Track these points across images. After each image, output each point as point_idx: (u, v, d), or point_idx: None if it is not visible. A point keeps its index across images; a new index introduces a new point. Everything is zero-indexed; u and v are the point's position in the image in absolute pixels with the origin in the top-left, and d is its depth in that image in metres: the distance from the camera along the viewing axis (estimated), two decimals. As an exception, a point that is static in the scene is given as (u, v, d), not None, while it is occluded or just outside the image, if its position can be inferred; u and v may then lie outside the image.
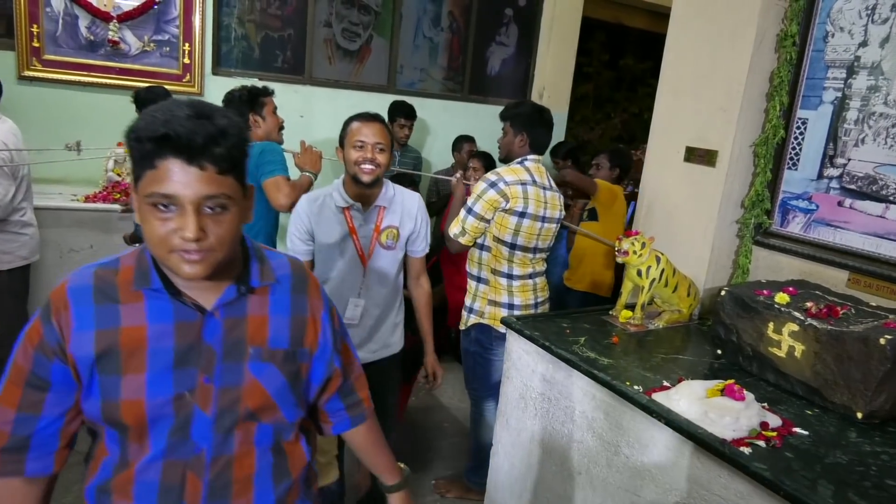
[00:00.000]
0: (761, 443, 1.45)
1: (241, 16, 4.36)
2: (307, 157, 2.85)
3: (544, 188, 2.49)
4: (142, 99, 3.04)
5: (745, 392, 1.55)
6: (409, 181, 3.53)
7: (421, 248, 2.27)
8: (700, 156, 2.39)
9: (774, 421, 1.55)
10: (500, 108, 2.67)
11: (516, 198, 2.40)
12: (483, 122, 4.97)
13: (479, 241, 2.51)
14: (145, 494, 1.03)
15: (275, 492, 1.12)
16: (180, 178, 0.91)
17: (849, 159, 2.11)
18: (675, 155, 2.48)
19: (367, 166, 2.02)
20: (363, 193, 2.09)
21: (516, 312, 2.47)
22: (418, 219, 2.22)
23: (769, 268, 2.32)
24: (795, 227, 2.27)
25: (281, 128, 3.05)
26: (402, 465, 1.38)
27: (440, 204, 4.23)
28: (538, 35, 5.47)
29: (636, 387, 1.70)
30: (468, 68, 5.29)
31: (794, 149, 2.28)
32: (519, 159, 2.52)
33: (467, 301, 2.61)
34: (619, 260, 2.19)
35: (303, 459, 1.18)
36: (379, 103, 4.61)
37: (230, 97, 3.05)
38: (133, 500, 1.03)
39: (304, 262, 1.84)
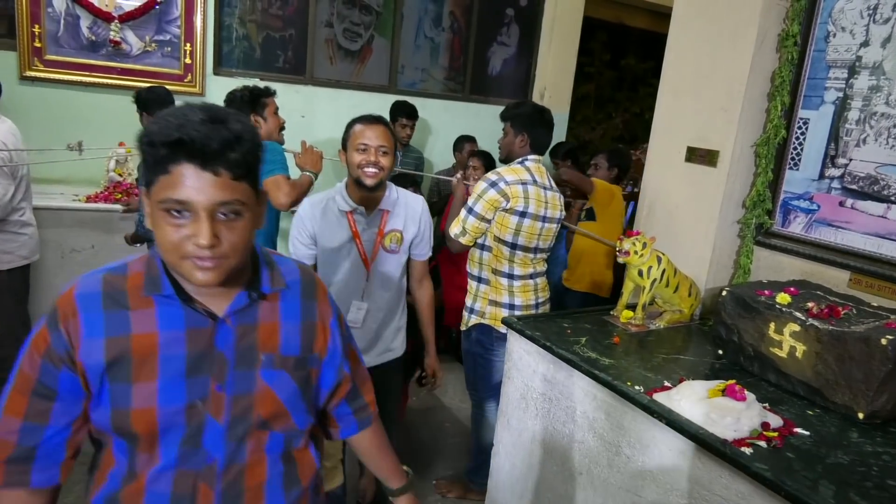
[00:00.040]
0: (762, 443, 1.45)
1: (242, 16, 4.36)
2: (308, 157, 2.85)
3: (545, 188, 2.49)
4: (143, 99, 3.05)
5: (746, 392, 1.55)
6: (411, 181, 3.53)
7: (424, 251, 2.27)
8: (701, 156, 2.39)
9: (776, 421, 1.55)
10: (502, 109, 2.66)
11: (517, 197, 2.40)
12: (484, 122, 4.98)
13: (479, 241, 2.51)
14: None
15: (286, 499, 1.10)
16: (194, 184, 0.90)
17: (850, 159, 2.11)
18: (677, 155, 2.48)
19: (371, 169, 2.01)
20: (366, 197, 2.07)
21: (517, 313, 2.47)
22: (422, 222, 2.21)
23: (770, 268, 2.32)
24: (797, 227, 2.27)
25: (282, 128, 3.05)
26: (406, 468, 1.38)
27: (441, 204, 4.23)
28: (539, 35, 5.47)
29: (637, 387, 1.70)
30: (469, 68, 5.29)
31: (795, 149, 2.27)
32: (519, 159, 2.52)
33: (468, 301, 2.61)
34: (621, 260, 2.19)
35: (312, 466, 1.17)
36: (380, 103, 4.62)
37: (232, 97, 3.05)
38: None
39: None
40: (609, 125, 7.52)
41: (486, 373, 2.61)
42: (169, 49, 4.11)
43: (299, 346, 1.10)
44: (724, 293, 1.97)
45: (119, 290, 1.00)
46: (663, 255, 2.20)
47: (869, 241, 2.06)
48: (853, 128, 2.10)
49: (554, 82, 5.54)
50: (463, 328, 2.66)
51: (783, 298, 1.82)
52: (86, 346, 0.96)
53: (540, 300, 2.58)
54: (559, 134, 5.48)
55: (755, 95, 2.28)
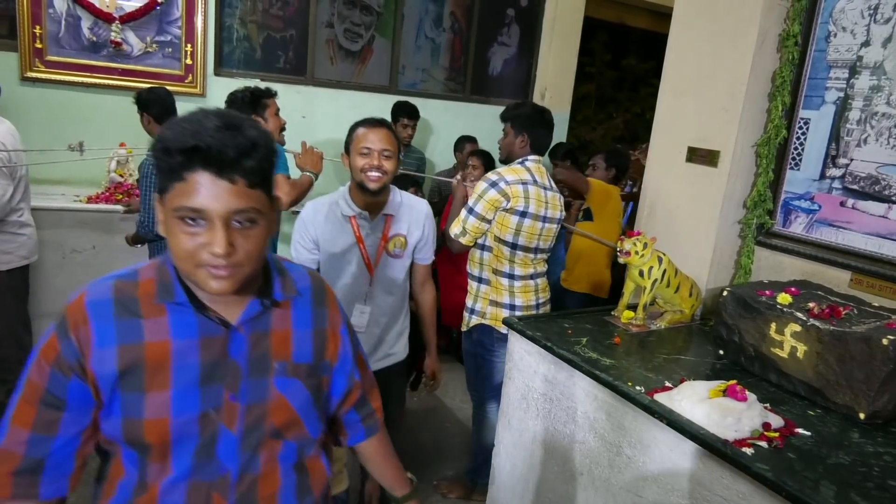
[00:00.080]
0: (763, 443, 1.45)
1: (243, 16, 4.36)
2: (308, 157, 2.86)
3: (545, 188, 2.49)
4: (144, 100, 3.05)
5: (747, 393, 1.55)
6: (412, 182, 3.53)
7: (428, 255, 2.25)
8: (702, 156, 2.39)
9: (776, 421, 1.55)
10: (502, 109, 2.66)
11: (517, 197, 2.40)
12: (485, 122, 4.98)
13: (480, 241, 2.51)
14: None
15: None
16: (210, 192, 0.88)
17: (851, 159, 2.11)
18: (678, 155, 2.48)
19: (374, 174, 1.98)
20: (370, 201, 2.05)
21: (518, 313, 2.47)
22: (426, 227, 2.19)
23: (771, 268, 2.32)
24: (798, 227, 2.27)
25: (283, 129, 3.06)
26: (410, 476, 1.37)
27: (442, 204, 4.23)
28: (540, 35, 5.47)
29: (638, 387, 1.70)
30: (470, 69, 5.29)
31: (796, 149, 2.27)
32: (520, 160, 2.52)
33: (468, 302, 2.61)
34: (622, 260, 2.19)
35: (324, 475, 1.15)
36: (381, 104, 4.62)
37: (233, 98, 3.05)
38: None
39: None
40: (610, 125, 7.52)
41: (487, 373, 2.61)
42: (170, 50, 4.11)
43: (311, 353, 1.09)
44: (724, 293, 1.97)
45: (130, 298, 0.98)
46: (664, 255, 2.20)
47: (870, 241, 2.06)
48: (854, 128, 2.10)
49: (555, 82, 5.54)
50: (464, 329, 2.66)
51: (784, 299, 1.82)
52: (97, 355, 0.94)
53: (541, 300, 2.58)
54: (560, 134, 5.48)
55: (756, 95, 2.28)
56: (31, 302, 3.26)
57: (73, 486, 1.00)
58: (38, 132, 3.67)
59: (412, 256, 2.21)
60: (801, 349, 1.72)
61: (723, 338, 1.98)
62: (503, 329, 2.38)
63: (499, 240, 2.46)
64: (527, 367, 2.11)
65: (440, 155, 5.15)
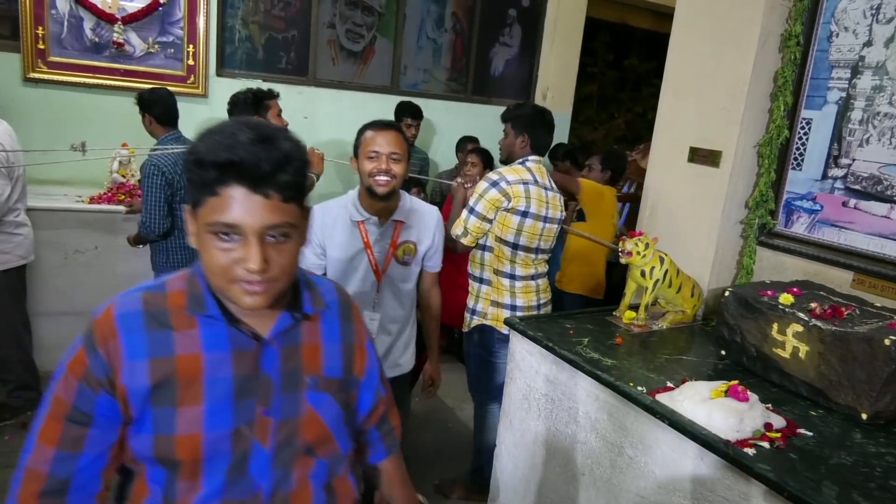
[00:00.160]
0: (765, 444, 1.44)
1: (244, 17, 4.37)
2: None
3: (546, 188, 2.49)
4: (145, 100, 3.06)
5: (749, 393, 1.55)
6: (415, 183, 3.53)
7: (437, 263, 2.22)
8: (704, 156, 2.39)
9: (778, 422, 1.55)
10: (504, 109, 2.67)
11: (518, 197, 2.40)
12: (486, 122, 4.98)
13: (480, 241, 2.51)
14: None
15: None
16: (244, 207, 0.87)
17: (853, 159, 2.11)
18: (679, 155, 2.48)
19: (382, 178, 1.93)
20: (379, 206, 2.01)
21: (519, 314, 2.46)
22: (436, 235, 2.16)
23: (773, 268, 2.32)
24: (800, 227, 2.27)
25: (285, 130, 3.05)
26: (420, 498, 1.36)
27: (444, 203, 4.24)
28: (542, 35, 5.47)
29: (640, 388, 1.70)
30: (472, 69, 5.29)
31: (798, 149, 2.27)
32: (520, 160, 2.52)
33: (469, 303, 2.61)
34: (623, 260, 2.18)
35: (351, 496, 1.13)
36: (383, 104, 4.63)
37: (235, 100, 3.06)
38: None
39: None
40: (612, 125, 7.51)
41: (489, 374, 2.61)
42: (172, 50, 4.12)
43: (341, 367, 1.08)
44: (726, 294, 1.97)
45: (161, 310, 0.96)
46: (666, 255, 2.19)
47: (872, 241, 2.05)
48: (856, 128, 2.09)
49: (556, 82, 5.54)
50: (465, 329, 2.66)
51: (786, 299, 1.82)
52: (128, 369, 0.92)
53: (542, 301, 2.57)
54: (561, 134, 5.48)
55: (758, 95, 2.28)
56: (33, 302, 3.27)
57: None
58: (40, 133, 3.68)
59: (421, 264, 2.18)
60: (803, 349, 1.72)
61: (725, 338, 1.97)
62: (504, 330, 2.38)
63: (500, 240, 2.46)
64: (528, 367, 2.11)
65: (442, 155, 5.15)
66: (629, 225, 4.05)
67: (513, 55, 5.45)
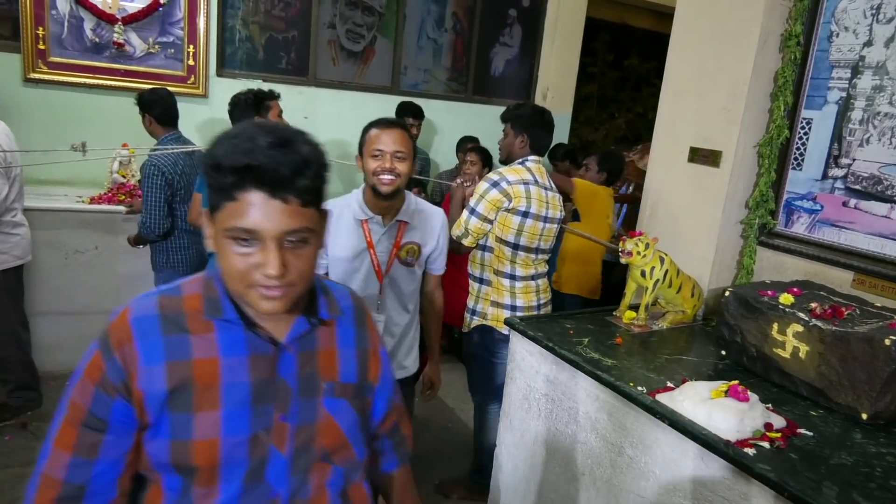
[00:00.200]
0: (765, 444, 1.44)
1: (245, 17, 4.37)
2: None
3: (546, 188, 2.49)
4: (145, 101, 3.06)
5: (749, 393, 1.55)
6: (416, 182, 3.52)
7: (440, 266, 2.21)
8: (704, 156, 2.39)
9: (779, 422, 1.55)
10: (504, 109, 2.67)
11: (519, 197, 2.40)
12: (487, 122, 4.97)
13: (480, 241, 2.51)
14: None
15: None
16: (262, 212, 0.86)
17: (854, 159, 2.11)
18: (679, 155, 2.48)
19: (386, 177, 1.91)
20: (383, 205, 1.99)
21: (519, 314, 2.46)
22: (441, 238, 2.14)
23: (773, 268, 2.32)
24: (800, 227, 2.27)
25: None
26: None
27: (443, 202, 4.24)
28: (542, 35, 5.47)
29: (640, 388, 1.70)
30: (472, 69, 5.30)
31: (798, 149, 2.27)
32: (520, 160, 2.52)
33: (469, 303, 2.61)
34: (623, 260, 2.19)
35: (366, 502, 1.12)
36: (383, 105, 4.63)
37: (236, 101, 3.06)
38: None
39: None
40: (612, 125, 7.52)
41: (489, 375, 2.61)
42: (172, 51, 4.12)
43: (356, 373, 1.07)
44: (727, 294, 1.96)
45: (177, 313, 0.95)
46: (666, 255, 2.19)
47: (872, 241, 2.05)
48: (856, 128, 2.09)
49: (556, 83, 5.54)
50: (465, 330, 2.66)
51: (786, 299, 1.82)
52: (145, 373, 0.91)
53: (542, 301, 2.57)
54: (562, 135, 5.49)
55: (758, 95, 2.28)
56: (33, 302, 3.27)
57: None
58: (40, 133, 3.69)
59: (424, 266, 2.16)
60: (804, 349, 1.72)
61: (725, 338, 1.97)
62: (504, 330, 2.38)
63: (500, 240, 2.46)
64: (528, 367, 2.11)
65: (442, 155, 5.15)
66: (628, 226, 4.05)
67: (513, 55, 5.45)
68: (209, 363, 0.94)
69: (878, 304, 1.84)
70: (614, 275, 3.86)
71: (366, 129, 1.99)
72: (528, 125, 2.51)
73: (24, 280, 3.02)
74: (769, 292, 1.89)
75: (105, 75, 3.97)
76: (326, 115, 4.65)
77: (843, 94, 2.13)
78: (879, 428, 1.60)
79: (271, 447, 0.96)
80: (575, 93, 5.73)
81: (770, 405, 1.65)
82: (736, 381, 1.59)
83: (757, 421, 1.50)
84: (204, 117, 4.21)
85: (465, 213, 2.45)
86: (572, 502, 1.92)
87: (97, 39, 3.92)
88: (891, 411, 1.60)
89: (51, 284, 3.43)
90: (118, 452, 0.94)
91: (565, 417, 1.95)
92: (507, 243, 2.45)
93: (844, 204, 2.13)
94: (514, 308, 2.50)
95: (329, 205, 2.18)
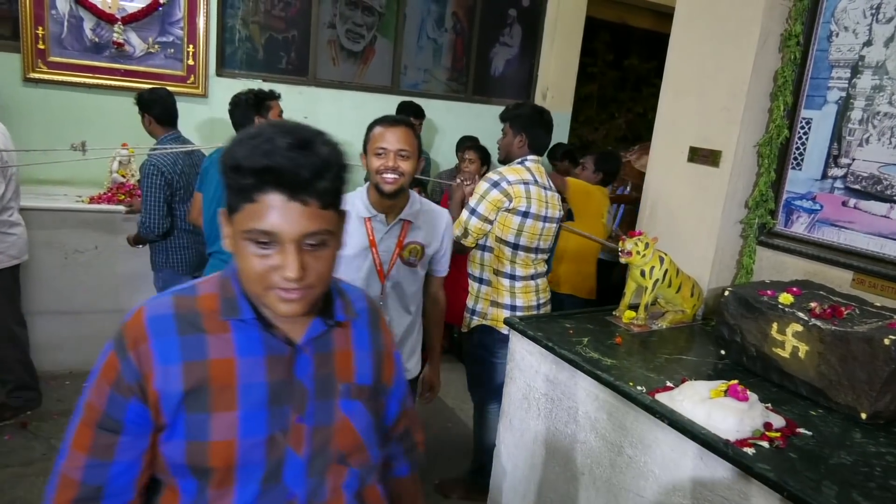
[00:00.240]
0: (765, 443, 1.44)
1: (245, 17, 4.37)
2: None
3: (545, 188, 2.49)
4: (145, 101, 3.06)
5: (748, 392, 1.55)
6: (416, 182, 3.52)
7: (443, 268, 2.19)
8: (704, 156, 2.39)
9: (778, 421, 1.55)
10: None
11: (519, 197, 2.40)
12: (487, 122, 4.97)
13: (480, 241, 2.51)
14: None
15: None
16: (282, 214, 0.85)
17: (853, 159, 2.11)
18: (679, 155, 2.48)
19: (390, 175, 1.89)
20: (386, 204, 1.97)
21: (518, 314, 2.46)
22: (445, 239, 2.12)
23: (773, 268, 2.32)
24: (799, 227, 2.27)
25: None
26: None
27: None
28: (542, 35, 5.48)
29: (639, 387, 1.70)
30: (472, 69, 5.30)
31: (798, 149, 2.27)
32: (519, 160, 2.52)
33: (469, 303, 2.61)
34: (623, 260, 2.19)
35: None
36: (383, 104, 4.63)
37: (236, 101, 3.06)
38: None
39: None
40: (612, 125, 7.52)
41: (489, 374, 2.61)
42: (172, 51, 4.13)
43: (371, 375, 1.06)
44: (726, 293, 1.97)
45: (193, 312, 0.95)
46: (665, 255, 2.19)
47: (872, 241, 2.05)
48: (856, 127, 2.09)
49: (556, 82, 5.54)
50: (464, 330, 2.66)
51: (786, 298, 1.82)
52: (161, 374, 0.90)
53: (541, 301, 2.57)
54: (562, 135, 5.49)
55: (757, 95, 2.28)
56: (32, 302, 3.27)
57: None
58: (40, 133, 3.69)
59: (427, 267, 2.14)
60: (803, 349, 1.72)
61: (724, 338, 1.97)
62: (504, 330, 2.38)
63: (500, 240, 2.46)
64: (528, 367, 2.11)
65: (443, 155, 5.16)
66: (625, 226, 4.05)
67: (513, 55, 5.45)
68: (226, 363, 0.93)
69: (878, 304, 1.84)
70: (614, 274, 3.86)
71: (370, 127, 1.98)
72: (527, 125, 2.51)
73: (22, 280, 3.02)
74: (769, 292, 1.89)
75: (105, 75, 3.97)
76: (326, 115, 4.65)
77: (843, 94, 2.13)
78: (879, 427, 1.60)
79: (288, 449, 0.95)
80: (575, 93, 5.74)
81: (769, 405, 1.65)
82: (735, 381, 1.59)
83: (756, 420, 1.50)
84: (204, 117, 4.21)
85: (466, 213, 2.45)
86: (572, 502, 1.92)
87: (97, 39, 3.92)
88: (890, 411, 1.60)
89: (50, 284, 3.43)
90: (134, 454, 0.93)
91: (565, 417, 1.95)
92: (506, 243, 2.45)
93: (844, 204, 2.13)
94: (513, 308, 2.50)
95: None
